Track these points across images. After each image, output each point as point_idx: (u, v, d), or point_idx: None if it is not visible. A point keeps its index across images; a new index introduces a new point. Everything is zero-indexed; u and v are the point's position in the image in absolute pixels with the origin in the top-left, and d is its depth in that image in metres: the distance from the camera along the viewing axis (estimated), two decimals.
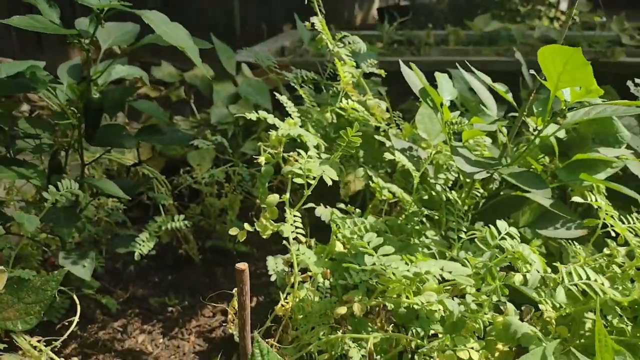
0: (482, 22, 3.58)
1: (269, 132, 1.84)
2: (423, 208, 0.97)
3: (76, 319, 1.00)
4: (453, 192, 0.93)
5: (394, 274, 0.60)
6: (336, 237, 0.78)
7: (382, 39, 3.50)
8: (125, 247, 1.16)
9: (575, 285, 0.62)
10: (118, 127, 1.06)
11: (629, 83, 1.16)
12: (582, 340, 0.70)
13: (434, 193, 0.93)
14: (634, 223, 0.73)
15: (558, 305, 0.66)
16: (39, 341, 0.83)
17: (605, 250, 0.75)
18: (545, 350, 0.48)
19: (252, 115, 0.90)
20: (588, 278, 0.61)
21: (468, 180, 1.01)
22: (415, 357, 0.72)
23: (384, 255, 0.62)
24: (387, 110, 1.19)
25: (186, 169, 1.53)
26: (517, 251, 0.65)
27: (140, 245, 1.13)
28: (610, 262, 0.72)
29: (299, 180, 0.77)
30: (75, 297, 1.05)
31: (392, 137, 1.12)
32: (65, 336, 0.97)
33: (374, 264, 0.61)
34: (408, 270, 0.60)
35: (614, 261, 0.72)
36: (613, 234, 0.79)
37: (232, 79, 1.75)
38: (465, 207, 1.03)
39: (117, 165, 1.48)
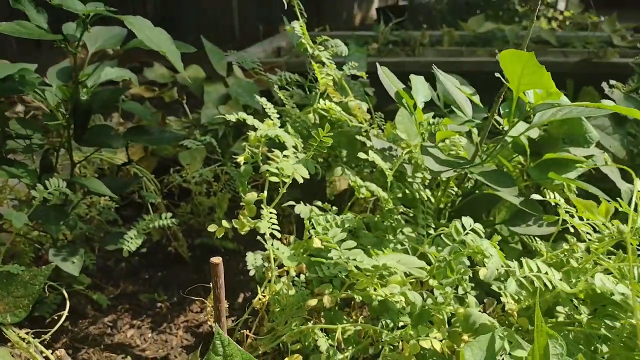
0: (475, 23, 3.61)
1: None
2: (400, 206, 1.00)
3: (65, 313, 1.04)
4: (427, 190, 0.97)
5: (356, 267, 0.64)
6: (309, 232, 0.81)
7: (377, 39, 3.52)
8: (115, 244, 1.20)
9: (530, 278, 0.65)
10: (106, 128, 1.10)
11: (604, 84, 1.20)
12: None
13: (407, 191, 0.96)
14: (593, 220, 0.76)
15: (517, 298, 0.70)
16: (27, 333, 0.87)
17: (565, 246, 0.78)
18: (491, 338, 0.52)
19: (232, 117, 0.93)
20: (539, 271, 0.64)
21: (444, 179, 1.04)
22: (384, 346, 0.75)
23: (346, 249, 0.66)
24: (369, 111, 1.23)
25: (177, 168, 1.56)
26: (477, 246, 0.68)
27: (128, 242, 1.17)
28: (569, 256, 0.76)
29: (274, 179, 0.81)
30: (64, 292, 1.09)
31: (373, 138, 1.15)
32: (54, 330, 1.01)
33: (339, 257, 0.64)
34: (368, 263, 0.63)
35: (573, 255, 0.75)
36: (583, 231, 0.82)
37: (223, 80, 1.78)
38: (442, 205, 1.07)
39: (108, 165, 1.52)
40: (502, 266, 0.68)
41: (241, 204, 0.88)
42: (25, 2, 0.88)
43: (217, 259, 0.68)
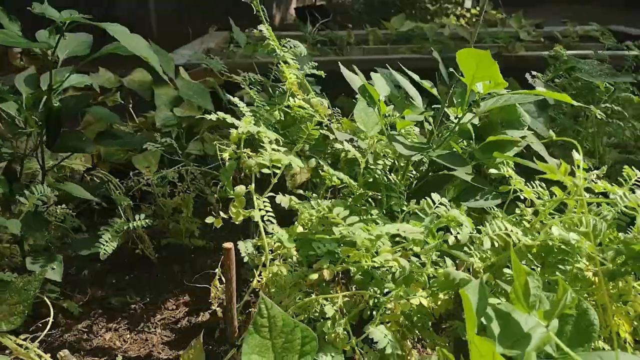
0: (397, 22, 3.83)
1: (213, 133, 1.91)
2: (367, 191, 1.11)
3: (50, 319, 1.05)
4: (392, 174, 1.09)
5: (359, 238, 0.73)
6: (302, 216, 0.89)
7: (306, 39, 3.64)
8: (88, 249, 1.21)
9: (492, 237, 0.78)
10: (78, 133, 1.11)
11: (527, 75, 1.38)
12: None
13: (377, 176, 1.07)
14: (537, 188, 0.92)
15: (484, 256, 0.83)
16: (25, 339, 0.88)
17: (517, 211, 0.93)
18: (480, 281, 0.64)
19: (213, 116, 0.99)
20: (506, 229, 0.78)
21: (402, 164, 1.17)
22: (374, 312, 0.86)
23: (350, 224, 0.76)
24: (329, 107, 1.33)
25: (136, 172, 1.57)
26: (450, 215, 0.81)
27: (104, 245, 1.18)
28: (521, 219, 0.91)
29: (266, 171, 0.88)
30: (45, 298, 1.09)
31: (335, 131, 1.25)
32: (42, 335, 1.01)
33: (345, 231, 0.74)
34: (371, 234, 0.73)
35: (524, 218, 0.91)
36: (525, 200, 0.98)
37: (171, 82, 1.80)
38: (402, 188, 1.19)
39: (69, 171, 1.49)
40: (472, 231, 0.81)
41: (230, 196, 0.94)
42: None
43: (229, 244, 0.75)
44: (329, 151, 1.37)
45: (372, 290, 0.86)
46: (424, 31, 3.74)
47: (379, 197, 1.10)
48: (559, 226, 0.83)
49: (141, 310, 1.35)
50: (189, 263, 1.50)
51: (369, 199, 1.09)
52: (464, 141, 1.22)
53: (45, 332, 1.01)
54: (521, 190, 0.92)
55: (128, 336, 1.26)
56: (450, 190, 1.28)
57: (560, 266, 0.78)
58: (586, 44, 3.39)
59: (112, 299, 1.38)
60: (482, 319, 0.62)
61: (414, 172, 1.17)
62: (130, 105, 1.94)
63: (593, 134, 1.38)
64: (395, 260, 0.75)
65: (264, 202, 0.89)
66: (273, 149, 0.90)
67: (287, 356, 0.57)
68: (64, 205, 1.43)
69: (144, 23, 4.51)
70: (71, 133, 1.10)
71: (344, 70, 1.11)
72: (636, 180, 0.94)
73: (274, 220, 0.89)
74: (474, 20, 4.83)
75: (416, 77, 1.13)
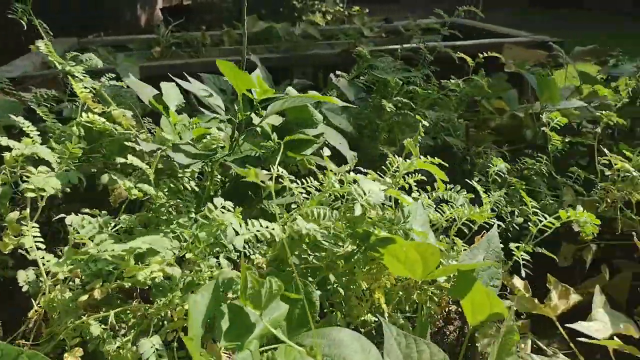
0: (249, 23, 3.87)
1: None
2: (172, 200, 1.12)
3: None
4: (192, 182, 1.10)
5: (107, 254, 0.74)
6: (71, 237, 0.87)
7: (159, 42, 3.53)
8: None
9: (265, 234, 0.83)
10: None
11: (332, 75, 1.48)
12: None
13: (172, 185, 1.08)
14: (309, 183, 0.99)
15: (263, 252, 0.88)
16: None
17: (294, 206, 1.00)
18: (215, 284, 0.67)
19: None
20: (262, 226, 0.83)
21: (209, 170, 1.19)
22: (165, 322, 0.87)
23: (98, 243, 0.75)
24: (136, 118, 1.31)
25: None
26: (220, 219, 0.84)
27: None
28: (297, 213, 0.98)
29: (31, 194, 0.85)
30: None
31: (141, 142, 1.23)
32: None
33: (96, 251, 0.73)
34: (119, 249, 0.74)
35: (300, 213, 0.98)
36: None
37: None
38: (212, 192, 1.21)
39: None
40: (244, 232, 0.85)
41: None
42: None
43: None
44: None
45: (158, 301, 0.87)
46: (277, 30, 3.81)
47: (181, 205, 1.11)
48: (334, 216, 0.90)
49: None
50: (7, 295, 1.39)
51: (170, 209, 1.09)
52: (270, 142, 1.28)
53: None
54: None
55: None
56: (266, 190, 1.33)
57: (317, 253, 0.86)
58: (428, 36, 3.68)
59: None
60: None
61: (220, 177, 1.19)
62: None
63: (392, 124, 1.51)
64: (162, 271, 0.76)
65: (32, 227, 0.85)
66: (40, 172, 0.86)
67: None
68: None
69: None
70: None
71: (131, 82, 1.10)
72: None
73: (43, 246, 0.85)
74: (331, 18, 5.03)
75: (200, 85, 1.15)
